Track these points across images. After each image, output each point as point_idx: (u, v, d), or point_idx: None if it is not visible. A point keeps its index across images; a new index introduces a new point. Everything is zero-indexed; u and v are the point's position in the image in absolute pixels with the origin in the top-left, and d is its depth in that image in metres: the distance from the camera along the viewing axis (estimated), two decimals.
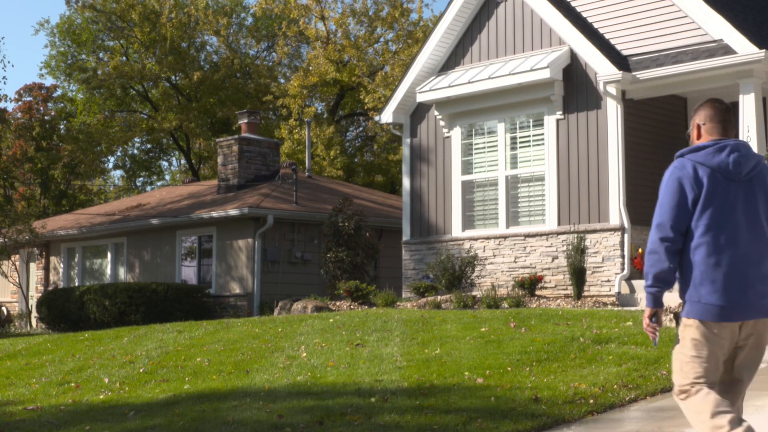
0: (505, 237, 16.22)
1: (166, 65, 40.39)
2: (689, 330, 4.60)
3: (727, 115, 4.74)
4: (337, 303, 16.41)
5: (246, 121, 26.54)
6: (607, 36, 15.68)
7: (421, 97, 17.25)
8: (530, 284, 15.07)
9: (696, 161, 4.62)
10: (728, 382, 4.71)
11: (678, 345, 4.67)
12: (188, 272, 24.29)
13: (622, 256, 14.76)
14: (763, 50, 13.57)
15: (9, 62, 61.92)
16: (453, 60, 17.41)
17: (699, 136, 4.76)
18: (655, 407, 7.23)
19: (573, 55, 15.65)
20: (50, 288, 27.16)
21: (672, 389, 5.02)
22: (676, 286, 4.70)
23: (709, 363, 4.55)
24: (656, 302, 4.64)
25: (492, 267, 16.28)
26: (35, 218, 31.88)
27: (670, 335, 9.78)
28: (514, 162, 16.43)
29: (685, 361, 4.60)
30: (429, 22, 36.39)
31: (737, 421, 4.42)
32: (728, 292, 4.52)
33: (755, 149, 13.53)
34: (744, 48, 13.79)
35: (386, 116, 18.03)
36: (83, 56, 44.48)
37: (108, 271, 26.61)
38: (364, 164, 39.88)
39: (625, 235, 14.78)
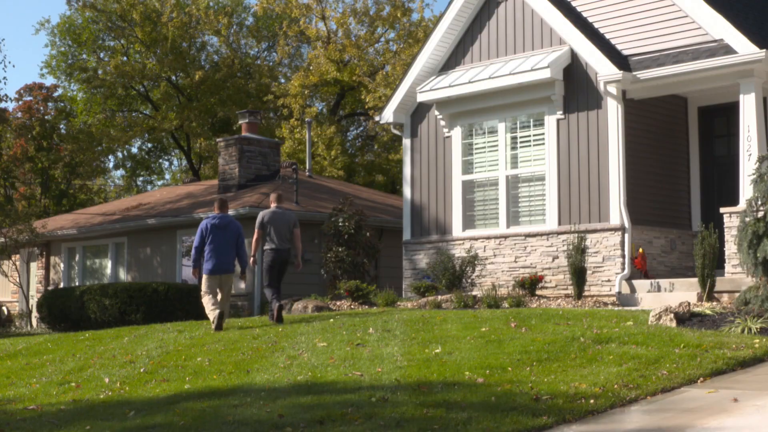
0: (505, 237, 16.23)
1: (166, 65, 40.38)
2: (205, 277, 13.81)
3: (223, 204, 14.23)
4: (338, 303, 16.41)
5: (246, 120, 26.54)
6: (607, 36, 15.68)
7: (421, 97, 17.26)
8: (531, 284, 15.07)
9: (208, 222, 13.94)
10: (220, 297, 13.93)
11: (202, 282, 13.84)
12: (189, 272, 24.28)
13: (623, 256, 14.77)
14: (764, 50, 13.58)
15: (10, 62, 61.87)
16: (453, 60, 17.42)
17: (215, 210, 14.10)
18: (656, 407, 7.24)
19: (573, 55, 15.66)
20: (50, 288, 27.15)
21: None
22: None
23: (211, 287, 13.77)
24: (195, 265, 14.09)
25: (492, 267, 16.29)
26: (36, 218, 31.88)
27: (670, 335, 9.84)
28: (514, 162, 16.44)
29: (204, 286, 13.83)
30: (430, 21, 36.39)
31: (217, 307, 13.49)
32: (214, 265, 13.80)
33: (756, 148, 13.67)
34: (744, 48, 13.80)
35: (387, 116, 18.04)
36: (84, 56, 44.44)
37: (108, 270, 26.62)
38: (365, 164, 39.88)
39: (626, 235, 14.79)
